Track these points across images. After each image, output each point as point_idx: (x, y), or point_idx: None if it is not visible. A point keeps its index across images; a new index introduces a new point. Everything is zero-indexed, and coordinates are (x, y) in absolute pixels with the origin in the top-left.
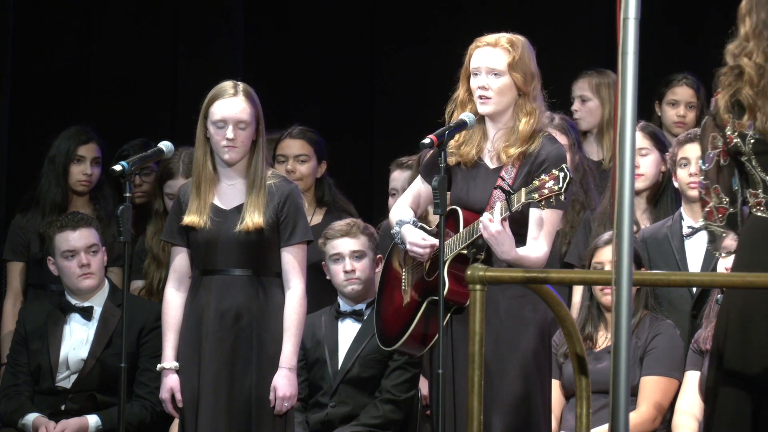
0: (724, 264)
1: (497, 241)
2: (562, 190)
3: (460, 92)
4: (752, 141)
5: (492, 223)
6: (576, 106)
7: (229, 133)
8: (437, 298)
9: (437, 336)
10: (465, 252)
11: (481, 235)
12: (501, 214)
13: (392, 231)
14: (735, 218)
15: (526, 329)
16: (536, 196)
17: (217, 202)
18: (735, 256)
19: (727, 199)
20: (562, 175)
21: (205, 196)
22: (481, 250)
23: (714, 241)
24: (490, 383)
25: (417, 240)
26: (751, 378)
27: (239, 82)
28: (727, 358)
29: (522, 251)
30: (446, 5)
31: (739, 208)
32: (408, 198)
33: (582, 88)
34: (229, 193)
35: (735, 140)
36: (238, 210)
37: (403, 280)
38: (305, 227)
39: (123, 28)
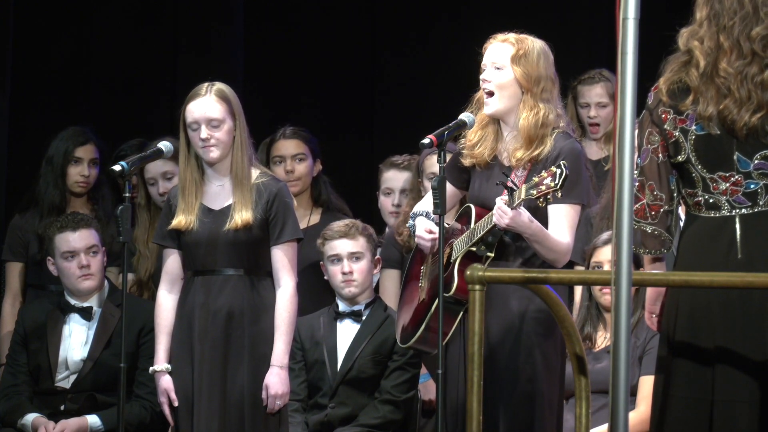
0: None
1: (517, 224)
2: (558, 186)
3: (480, 92)
4: (693, 138)
5: (505, 214)
6: (593, 112)
7: (203, 133)
8: (447, 295)
9: (450, 334)
10: (474, 249)
11: (490, 233)
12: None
13: (408, 224)
14: (668, 217)
15: (536, 326)
16: (534, 192)
17: (206, 202)
18: (678, 258)
19: (663, 196)
20: (559, 171)
21: (189, 199)
22: (491, 248)
23: (639, 240)
24: (498, 380)
25: (422, 232)
26: (702, 380)
27: (215, 82)
28: (676, 359)
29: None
30: (447, 6)
31: (675, 207)
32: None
33: (599, 95)
34: (218, 193)
35: (676, 135)
36: (228, 209)
37: (422, 277)
38: (294, 225)
39: (123, 27)
